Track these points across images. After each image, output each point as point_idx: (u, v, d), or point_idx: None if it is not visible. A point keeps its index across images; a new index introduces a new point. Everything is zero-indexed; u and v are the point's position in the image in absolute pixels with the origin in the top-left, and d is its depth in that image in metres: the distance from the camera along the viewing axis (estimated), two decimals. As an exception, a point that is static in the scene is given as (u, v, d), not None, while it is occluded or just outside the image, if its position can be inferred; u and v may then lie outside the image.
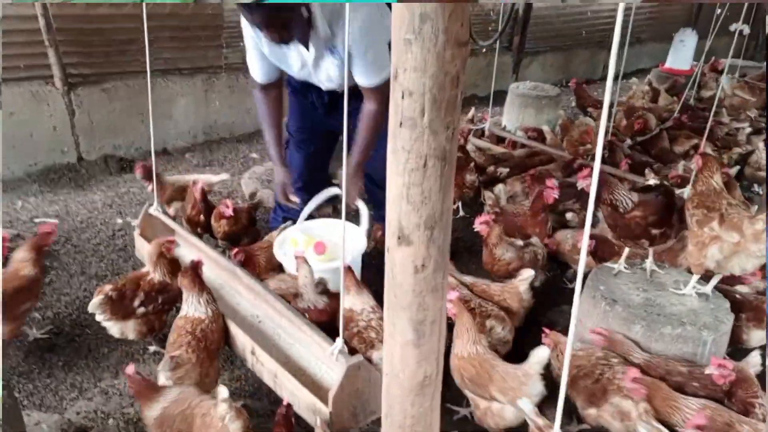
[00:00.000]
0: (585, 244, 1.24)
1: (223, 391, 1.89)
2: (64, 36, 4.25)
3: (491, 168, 4.34)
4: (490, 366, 2.23)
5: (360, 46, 2.41)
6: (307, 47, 2.60)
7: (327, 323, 2.47)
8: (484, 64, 6.83)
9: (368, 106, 2.64)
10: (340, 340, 2.16)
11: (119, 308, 2.50)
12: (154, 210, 3.19)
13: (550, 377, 2.24)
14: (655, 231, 2.50)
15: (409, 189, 1.30)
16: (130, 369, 2.08)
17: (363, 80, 2.54)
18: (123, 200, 4.22)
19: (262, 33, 2.49)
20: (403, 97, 1.23)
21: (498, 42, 6.20)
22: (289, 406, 2.03)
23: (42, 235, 2.66)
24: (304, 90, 3.03)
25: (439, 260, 1.37)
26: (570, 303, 2.42)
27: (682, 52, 7.09)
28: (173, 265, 2.70)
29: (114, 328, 2.54)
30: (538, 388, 2.14)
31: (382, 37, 2.37)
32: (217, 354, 2.42)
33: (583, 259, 1.21)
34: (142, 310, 2.55)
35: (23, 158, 4.33)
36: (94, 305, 2.45)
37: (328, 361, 2.32)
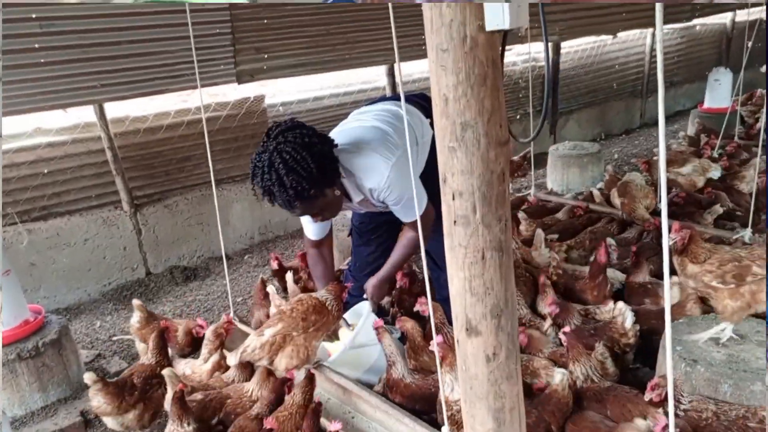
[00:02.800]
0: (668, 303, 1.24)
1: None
2: (128, 164, 4.64)
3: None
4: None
5: (391, 199, 2.68)
6: (350, 200, 2.81)
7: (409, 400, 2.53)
8: (519, 130, 6.96)
9: (407, 234, 2.90)
10: (446, 429, 2.15)
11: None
12: (231, 318, 3.31)
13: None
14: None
15: (471, 282, 1.35)
16: None
17: (401, 218, 2.82)
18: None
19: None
20: (453, 198, 1.31)
21: (531, 106, 6.36)
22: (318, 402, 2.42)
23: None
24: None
25: (510, 347, 1.40)
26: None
27: (718, 91, 7.05)
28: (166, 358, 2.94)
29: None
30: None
31: (406, 188, 2.60)
32: None
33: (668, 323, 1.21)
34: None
35: (99, 280, 4.63)
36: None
37: None
